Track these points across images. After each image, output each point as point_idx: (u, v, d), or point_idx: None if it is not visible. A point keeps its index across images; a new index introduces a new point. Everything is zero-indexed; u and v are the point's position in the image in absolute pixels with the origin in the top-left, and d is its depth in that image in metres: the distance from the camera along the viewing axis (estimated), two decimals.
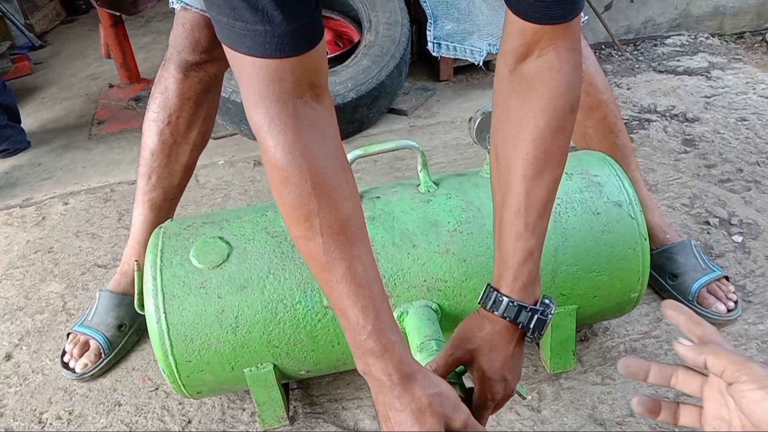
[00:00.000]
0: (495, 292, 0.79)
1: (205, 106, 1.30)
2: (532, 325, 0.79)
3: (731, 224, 1.55)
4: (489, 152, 1.06)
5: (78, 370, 1.29)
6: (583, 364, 1.22)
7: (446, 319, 1.04)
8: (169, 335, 0.98)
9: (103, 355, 1.30)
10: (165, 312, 0.98)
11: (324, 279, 0.72)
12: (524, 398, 0.91)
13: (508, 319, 0.78)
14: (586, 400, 1.16)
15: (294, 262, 1.00)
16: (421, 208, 1.05)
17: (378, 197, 1.08)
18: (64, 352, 1.33)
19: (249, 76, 0.68)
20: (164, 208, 1.35)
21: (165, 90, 1.26)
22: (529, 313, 0.79)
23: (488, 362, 0.81)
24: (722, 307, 1.27)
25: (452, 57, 1.36)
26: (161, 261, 1.01)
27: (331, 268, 0.70)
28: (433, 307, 1.02)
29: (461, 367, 0.84)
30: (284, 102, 0.69)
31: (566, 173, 1.07)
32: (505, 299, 0.78)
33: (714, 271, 1.32)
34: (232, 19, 0.64)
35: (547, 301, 0.81)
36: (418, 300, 1.02)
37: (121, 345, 1.33)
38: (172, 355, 0.99)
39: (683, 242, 1.36)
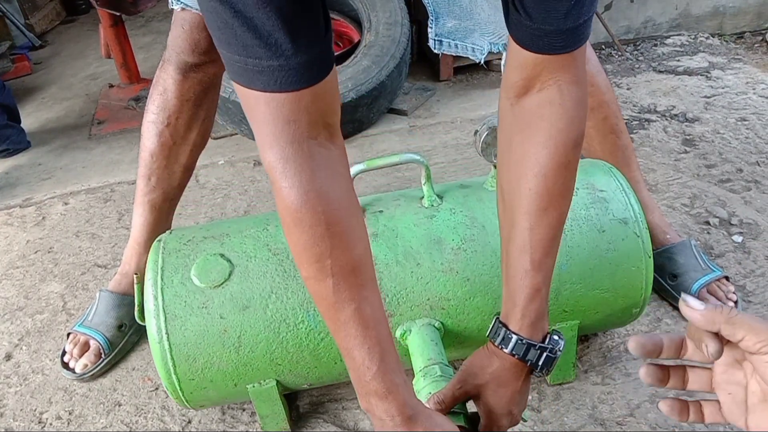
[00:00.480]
0: (504, 329, 0.79)
1: (205, 106, 1.30)
2: (540, 363, 0.79)
3: (731, 224, 1.55)
4: (494, 166, 1.06)
5: (78, 370, 1.29)
6: (583, 364, 1.22)
7: (449, 337, 1.04)
8: (171, 355, 0.98)
9: (103, 355, 1.30)
10: (167, 333, 0.98)
11: (332, 318, 0.72)
12: (524, 421, 0.91)
13: (516, 356, 0.78)
14: (586, 400, 1.16)
15: (296, 282, 1.00)
16: (425, 224, 1.04)
17: (381, 211, 1.06)
18: (64, 352, 1.33)
19: (264, 116, 0.68)
20: (164, 209, 1.35)
21: (164, 91, 1.25)
22: (538, 351, 0.79)
23: (495, 398, 0.81)
24: None
25: (453, 54, 1.35)
26: (162, 280, 1.00)
27: (340, 308, 0.70)
28: (436, 325, 1.01)
29: None
30: (299, 143, 0.68)
31: (576, 189, 1.06)
32: (514, 337, 0.78)
33: (714, 271, 1.32)
34: (245, 56, 0.63)
35: (556, 337, 0.81)
36: (421, 318, 1.01)
37: (121, 345, 1.33)
38: (175, 374, 0.99)
39: (683, 242, 1.36)
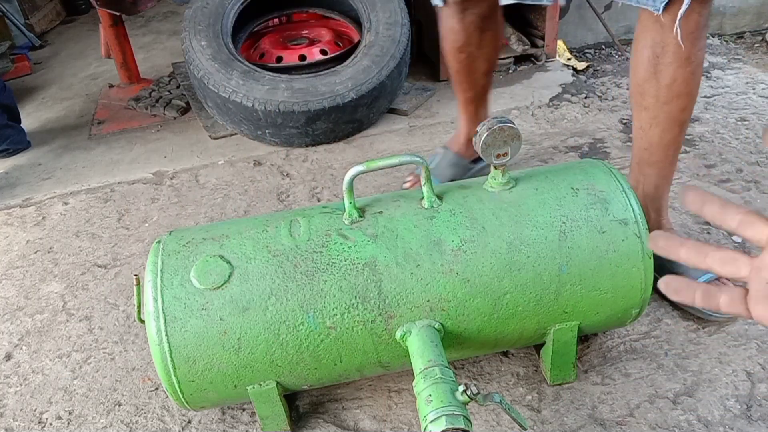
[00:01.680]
0: None
1: (490, 28, 1.53)
2: None
3: None
4: (494, 166, 1.06)
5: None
6: (583, 364, 1.23)
7: (449, 339, 1.04)
8: (171, 357, 0.98)
9: None
10: (167, 334, 0.98)
11: None
12: (525, 429, 0.91)
13: None
14: (586, 400, 1.16)
15: (296, 283, 1.00)
16: (425, 225, 1.04)
17: (380, 212, 1.06)
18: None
19: None
20: (479, 103, 1.68)
21: (451, 29, 1.52)
22: None
23: None
24: None
25: None
26: (162, 281, 1.00)
27: None
28: (436, 326, 1.01)
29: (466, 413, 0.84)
30: None
31: (572, 188, 1.06)
32: None
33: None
34: None
35: None
36: (421, 320, 1.01)
37: None
38: (175, 375, 0.99)
39: None
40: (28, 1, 3.45)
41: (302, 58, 2.22)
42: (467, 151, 1.71)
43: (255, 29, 2.39)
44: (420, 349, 0.96)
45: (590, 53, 2.68)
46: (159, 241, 1.07)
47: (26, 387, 1.31)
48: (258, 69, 2.01)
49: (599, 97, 2.22)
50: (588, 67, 2.52)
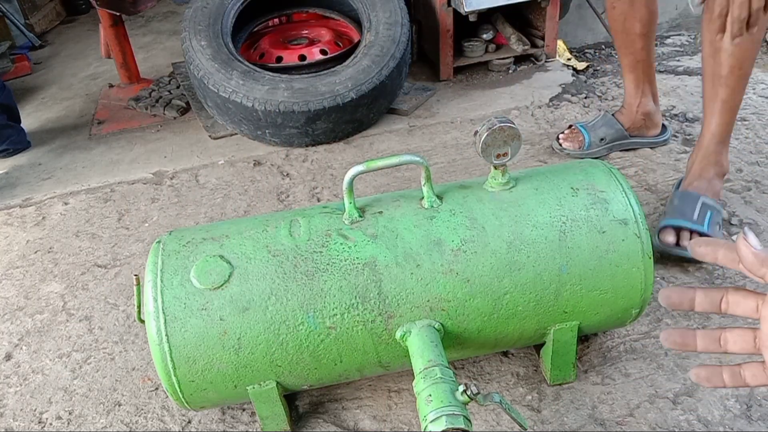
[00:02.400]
0: None
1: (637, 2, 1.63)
2: None
3: (731, 224, 1.55)
4: (494, 166, 1.06)
5: (564, 146, 1.84)
6: (583, 364, 1.23)
7: (449, 339, 1.04)
8: (171, 357, 0.98)
9: (582, 149, 1.81)
10: (167, 334, 0.98)
11: None
12: (525, 429, 0.91)
13: None
14: (586, 400, 1.16)
15: (296, 283, 0.99)
16: (425, 225, 1.04)
17: (380, 212, 1.06)
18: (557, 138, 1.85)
19: None
20: (639, 66, 1.74)
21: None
22: None
23: None
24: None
25: None
26: (162, 281, 1.00)
27: None
28: (436, 326, 1.01)
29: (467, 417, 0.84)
30: None
31: (572, 188, 1.06)
32: None
33: (702, 227, 1.37)
34: None
35: None
36: (421, 320, 1.01)
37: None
38: (175, 375, 0.99)
39: (693, 194, 1.44)
40: (28, 1, 3.45)
41: (302, 58, 2.22)
42: (627, 121, 1.80)
43: (255, 29, 2.39)
44: (420, 349, 0.96)
45: (590, 53, 2.68)
46: (159, 241, 1.07)
47: (26, 387, 1.32)
48: (258, 69, 2.01)
49: (599, 97, 2.22)
50: (588, 67, 2.52)
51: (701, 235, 1.38)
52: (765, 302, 0.50)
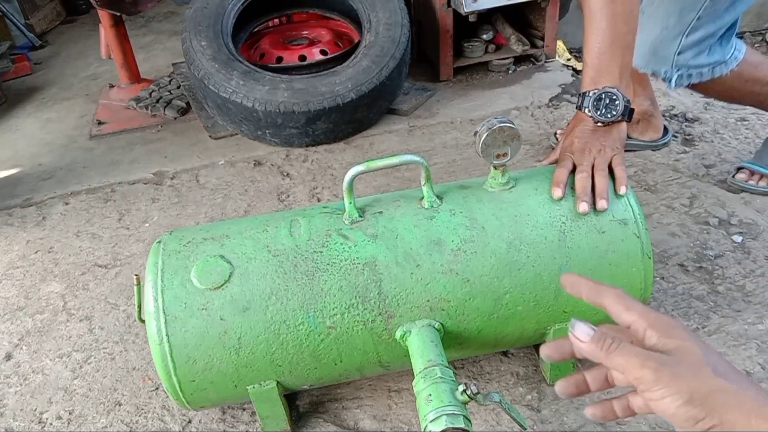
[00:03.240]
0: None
1: None
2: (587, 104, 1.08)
3: (731, 224, 1.55)
4: (494, 167, 1.06)
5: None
6: (583, 363, 1.23)
7: (449, 338, 1.04)
8: (171, 357, 0.98)
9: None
10: (167, 334, 0.98)
11: None
12: (525, 429, 0.91)
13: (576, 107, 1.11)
14: (586, 399, 1.16)
15: (296, 283, 1.00)
16: (425, 225, 1.04)
17: (380, 212, 1.06)
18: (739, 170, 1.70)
19: None
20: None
21: None
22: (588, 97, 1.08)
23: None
24: None
25: None
26: (162, 281, 1.00)
27: None
28: (436, 326, 1.01)
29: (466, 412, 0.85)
30: None
31: (572, 188, 1.06)
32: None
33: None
34: None
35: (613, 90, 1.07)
36: (421, 320, 1.01)
37: None
38: (176, 375, 0.99)
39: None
40: (28, 1, 3.45)
41: (302, 58, 2.22)
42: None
43: (255, 29, 2.39)
44: (420, 349, 0.96)
45: None
46: (159, 241, 1.07)
47: (26, 387, 1.32)
48: (258, 69, 2.01)
49: None
50: None
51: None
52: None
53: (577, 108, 1.12)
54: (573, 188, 1.06)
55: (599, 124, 1.09)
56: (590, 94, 1.09)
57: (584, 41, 1.15)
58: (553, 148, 1.89)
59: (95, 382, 1.31)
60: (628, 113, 1.09)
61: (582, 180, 1.04)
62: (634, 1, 1.14)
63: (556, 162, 1.11)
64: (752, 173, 1.65)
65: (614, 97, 1.07)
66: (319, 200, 1.80)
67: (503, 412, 1.13)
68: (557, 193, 1.04)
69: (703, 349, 0.51)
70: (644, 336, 0.54)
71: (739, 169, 1.68)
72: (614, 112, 1.08)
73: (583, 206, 1.02)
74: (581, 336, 0.55)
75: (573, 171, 1.07)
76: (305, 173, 1.94)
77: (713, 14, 1.42)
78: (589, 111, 1.08)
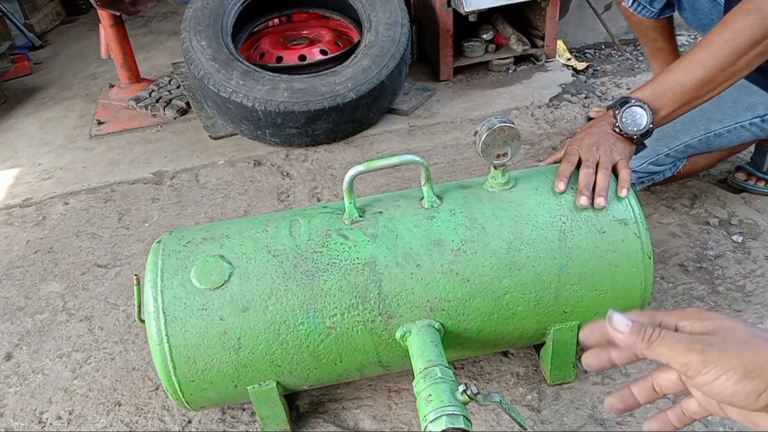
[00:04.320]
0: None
1: None
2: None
3: (731, 224, 1.55)
4: (494, 167, 1.06)
5: None
6: (582, 364, 1.22)
7: (449, 338, 1.04)
8: (171, 357, 0.98)
9: None
10: (167, 335, 0.98)
11: None
12: (525, 429, 0.91)
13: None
14: (586, 400, 1.16)
15: (296, 283, 0.99)
16: (425, 225, 1.04)
17: (380, 212, 1.06)
18: None
19: None
20: (660, 55, 1.83)
21: None
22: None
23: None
24: None
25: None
26: (162, 281, 1.00)
27: None
28: (436, 326, 1.01)
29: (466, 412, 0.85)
30: None
31: (572, 188, 1.06)
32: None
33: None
34: None
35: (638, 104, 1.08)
36: (421, 320, 1.01)
37: None
38: (175, 375, 0.99)
39: None
40: (28, 1, 3.45)
41: (302, 58, 2.22)
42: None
43: (255, 29, 2.39)
44: (420, 349, 0.96)
45: (590, 53, 2.69)
46: (159, 241, 1.07)
47: (26, 387, 1.32)
48: (258, 69, 2.01)
49: (599, 97, 2.22)
50: (588, 67, 2.52)
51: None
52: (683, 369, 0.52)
53: (608, 108, 1.13)
54: (573, 188, 1.06)
55: (617, 129, 1.10)
56: (632, 102, 1.09)
57: (685, 56, 1.13)
58: (554, 149, 1.89)
59: (95, 382, 1.31)
60: (640, 144, 1.12)
61: (585, 175, 1.05)
62: (744, 74, 1.12)
63: (557, 161, 1.11)
64: (750, 175, 1.67)
65: (648, 122, 1.09)
66: (319, 200, 1.80)
67: (503, 413, 1.13)
68: (560, 186, 1.04)
69: (741, 323, 0.49)
70: (678, 328, 0.52)
71: (738, 168, 1.69)
72: (634, 130, 1.09)
73: (583, 200, 1.02)
74: (620, 327, 0.52)
75: (578, 167, 1.07)
76: (305, 173, 1.94)
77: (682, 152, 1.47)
78: (618, 113, 1.09)
